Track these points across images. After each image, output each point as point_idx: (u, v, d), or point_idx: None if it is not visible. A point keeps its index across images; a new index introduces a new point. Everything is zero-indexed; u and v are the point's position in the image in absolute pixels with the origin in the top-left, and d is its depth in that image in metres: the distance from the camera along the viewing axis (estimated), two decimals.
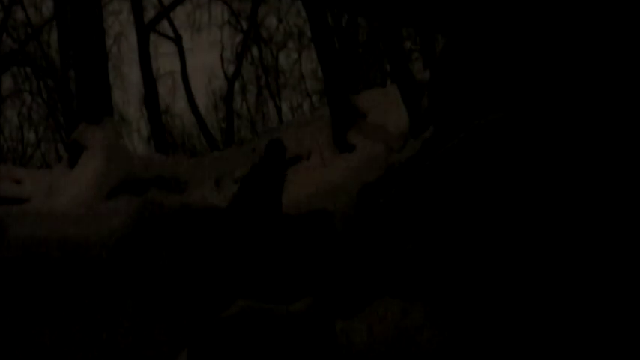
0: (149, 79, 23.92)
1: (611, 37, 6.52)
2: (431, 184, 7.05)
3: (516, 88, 7.37)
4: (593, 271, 5.75)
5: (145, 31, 24.11)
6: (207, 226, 11.61)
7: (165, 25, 27.19)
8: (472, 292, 6.28)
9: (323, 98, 26.09)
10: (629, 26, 6.44)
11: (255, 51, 29.96)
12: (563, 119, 6.54)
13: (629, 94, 6.22)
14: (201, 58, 29.14)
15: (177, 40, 27.52)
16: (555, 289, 5.84)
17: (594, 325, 5.54)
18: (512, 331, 5.88)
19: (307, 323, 6.39)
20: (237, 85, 30.04)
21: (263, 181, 10.72)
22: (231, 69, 29.52)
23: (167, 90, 29.99)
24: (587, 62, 6.64)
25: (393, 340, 6.42)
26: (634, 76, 6.29)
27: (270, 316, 6.46)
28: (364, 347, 6.41)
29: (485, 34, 7.97)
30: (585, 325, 5.59)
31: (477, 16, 7.76)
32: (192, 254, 11.37)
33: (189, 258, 11.35)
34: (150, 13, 25.57)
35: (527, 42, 7.34)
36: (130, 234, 12.27)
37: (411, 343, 6.33)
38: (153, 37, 25.46)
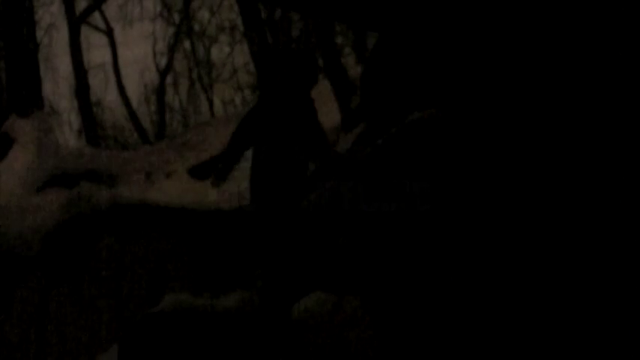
0: (80, 71, 23.72)
1: (539, 31, 6.64)
2: (362, 178, 7.09)
3: (448, 84, 7.45)
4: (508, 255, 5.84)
5: (76, 22, 23.90)
6: (139, 220, 11.55)
7: (96, 17, 27.00)
8: (404, 286, 6.33)
9: (255, 92, 26.06)
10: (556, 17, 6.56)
11: (187, 44, 29.84)
12: (495, 115, 6.63)
13: (556, 89, 6.34)
14: (134, 50, 28.95)
15: (109, 33, 27.37)
16: (483, 283, 5.92)
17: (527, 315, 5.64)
18: (445, 322, 5.95)
19: (238, 318, 6.40)
20: (169, 78, 29.94)
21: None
22: (163, 62, 29.41)
23: (98, 82, 29.69)
24: (519, 59, 6.74)
25: (326, 335, 6.46)
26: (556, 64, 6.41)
27: (200, 310, 6.46)
28: (295, 342, 6.44)
29: (418, 31, 8.04)
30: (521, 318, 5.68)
31: (410, 12, 7.82)
32: (123, 248, 11.30)
33: (120, 252, 11.28)
34: (81, 5, 25.34)
35: (459, 38, 7.43)
36: (59, 228, 12.16)
37: (344, 337, 6.38)
38: (84, 29, 25.23)
